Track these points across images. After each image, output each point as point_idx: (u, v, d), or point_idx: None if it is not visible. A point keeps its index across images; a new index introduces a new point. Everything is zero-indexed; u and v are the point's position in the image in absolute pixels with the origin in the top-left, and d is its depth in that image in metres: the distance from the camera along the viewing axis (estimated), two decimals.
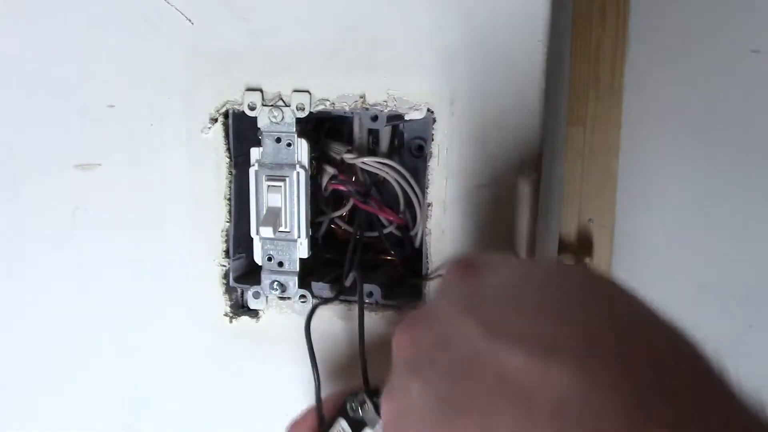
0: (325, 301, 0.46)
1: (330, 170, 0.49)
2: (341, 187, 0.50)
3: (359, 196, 0.49)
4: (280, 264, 0.47)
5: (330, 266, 0.49)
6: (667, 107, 0.87)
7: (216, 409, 0.51)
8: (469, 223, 0.44)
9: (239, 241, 0.49)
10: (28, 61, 0.49)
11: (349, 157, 0.49)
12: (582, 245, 0.93)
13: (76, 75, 0.48)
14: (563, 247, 0.92)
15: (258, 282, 0.48)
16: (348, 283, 0.47)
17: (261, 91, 0.45)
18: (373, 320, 0.47)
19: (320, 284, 0.48)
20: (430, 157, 0.44)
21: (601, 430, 0.21)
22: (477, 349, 0.25)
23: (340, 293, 0.46)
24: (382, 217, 0.50)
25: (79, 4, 0.47)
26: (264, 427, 0.50)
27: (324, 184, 0.49)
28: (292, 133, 0.45)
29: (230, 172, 0.48)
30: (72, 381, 0.53)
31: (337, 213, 0.51)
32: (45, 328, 0.53)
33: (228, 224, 0.48)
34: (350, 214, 0.52)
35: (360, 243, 0.49)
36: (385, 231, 0.51)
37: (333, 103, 0.44)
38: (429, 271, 0.46)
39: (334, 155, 0.50)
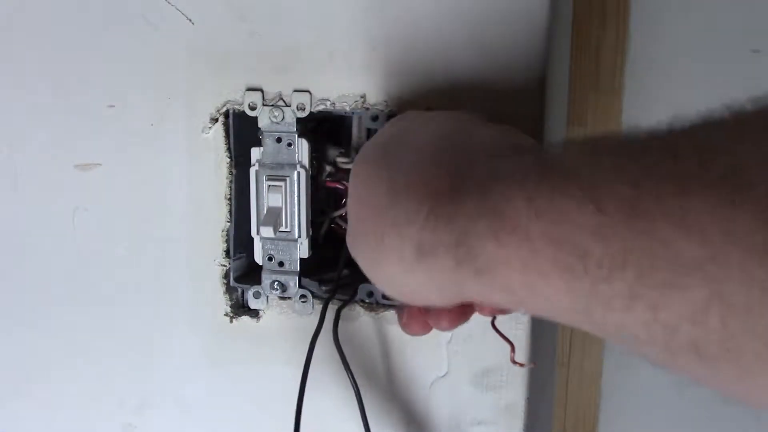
0: (345, 302, 0.46)
1: (327, 168, 0.49)
2: (337, 185, 0.50)
3: None
4: (281, 264, 0.47)
5: (332, 266, 0.49)
6: (667, 107, 0.87)
7: (216, 410, 0.51)
8: None
9: (239, 240, 0.49)
10: (28, 60, 0.49)
11: (342, 161, 0.49)
12: None
13: (76, 75, 0.48)
14: None
15: (258, 282, 0.48)
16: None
17: (261, 90, 0.45)
18: (374, 320, 0.47)
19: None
20: None
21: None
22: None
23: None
24: None
25: (79, 4, 0.47)
26: (264, 428, 0.50)
27: (321, 182, 0.49)
28: (293, 132, 0.45)
29: (230, 172, 0.48)
30: (72, 381, 0.53)
31: (338, 212, 0.51)
32: (45, 328, 0.53)
33: (228, 224, 0.48)
34: None
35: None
36: None
37: (333, 103, 0.45)
38: None
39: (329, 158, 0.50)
